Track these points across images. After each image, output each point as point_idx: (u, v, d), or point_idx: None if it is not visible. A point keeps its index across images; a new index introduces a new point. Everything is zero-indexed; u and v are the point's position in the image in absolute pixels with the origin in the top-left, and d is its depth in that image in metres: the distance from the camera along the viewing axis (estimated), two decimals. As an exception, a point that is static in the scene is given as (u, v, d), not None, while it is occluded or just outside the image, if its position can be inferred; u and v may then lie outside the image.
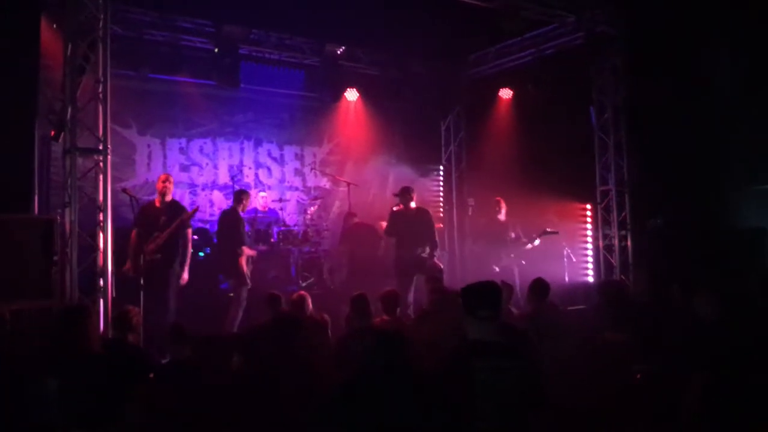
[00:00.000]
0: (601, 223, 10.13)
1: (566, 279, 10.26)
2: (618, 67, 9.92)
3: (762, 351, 4.26)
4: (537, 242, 9.68)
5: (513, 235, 9.67)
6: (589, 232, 10.79)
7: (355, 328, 5.26)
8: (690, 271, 8.40)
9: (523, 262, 9.62)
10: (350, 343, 5.02)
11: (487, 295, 3.64)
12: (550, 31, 10.35)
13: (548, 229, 9.89)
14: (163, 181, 7.81)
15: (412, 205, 8.71)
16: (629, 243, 9.89)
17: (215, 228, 9.85)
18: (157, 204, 7.72)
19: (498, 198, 9.83)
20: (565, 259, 10.32)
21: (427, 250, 8.63)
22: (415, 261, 8.57)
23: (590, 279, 10.61)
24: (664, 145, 10.09)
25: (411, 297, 8.44)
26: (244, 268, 8.28)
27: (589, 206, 10.78)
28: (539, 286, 6.13)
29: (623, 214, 9.95)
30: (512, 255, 9.59)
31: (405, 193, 8.73)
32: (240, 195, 8.63)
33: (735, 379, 4.06)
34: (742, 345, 4.29)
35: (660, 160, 10.12)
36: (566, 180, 10.72)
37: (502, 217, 9.75)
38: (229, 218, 8.50)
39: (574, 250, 10.61)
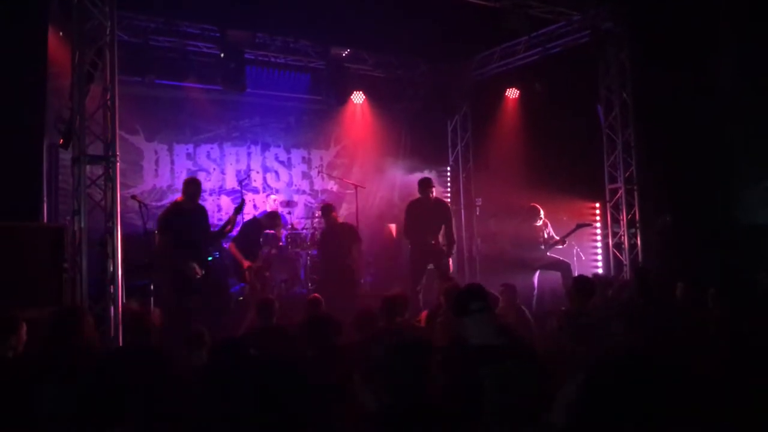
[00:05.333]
0: (611, 221, 10.08)
1: (576, 277, 10.21)
2: (625, 64, 9.85)
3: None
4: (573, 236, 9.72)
5: (546, 236, 9.57)
6: (599, 231, 10.74)
7: (379, 328, 5.14)
8: (698, 268, 8.31)
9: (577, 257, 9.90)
10: (372, 343, 4.94)
11: (472, 290, 3.66)
12: (555, 29, 10.32)
13: (581, 223, 9.91)
14: None
15: (431, 196, 8.83)
16: (639, 241, 9.84)
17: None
18: None
19: (534, 204, 9.61)
20: (575, 258, 10.27)
21: (440, 240, 8.73)
22: (426, 249, 8.61)
23: (600, 277, 10.56)
24: (672, 141, 10.04)
25: (421, 294, 8.47)
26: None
27: (597, 205, 10.74)
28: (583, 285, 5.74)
29: (632, 211, 9.89)
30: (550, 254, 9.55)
31: (422, 184, 8.90)
32: (275, 219, 9.32)
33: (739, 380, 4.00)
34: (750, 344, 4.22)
35: (669, 157, 10.07)
36: (574, 178, 10.69)
37: (539, 223, 9.57)
38: (252, 227, 8.90)
39: (584, 249, 10.56)
